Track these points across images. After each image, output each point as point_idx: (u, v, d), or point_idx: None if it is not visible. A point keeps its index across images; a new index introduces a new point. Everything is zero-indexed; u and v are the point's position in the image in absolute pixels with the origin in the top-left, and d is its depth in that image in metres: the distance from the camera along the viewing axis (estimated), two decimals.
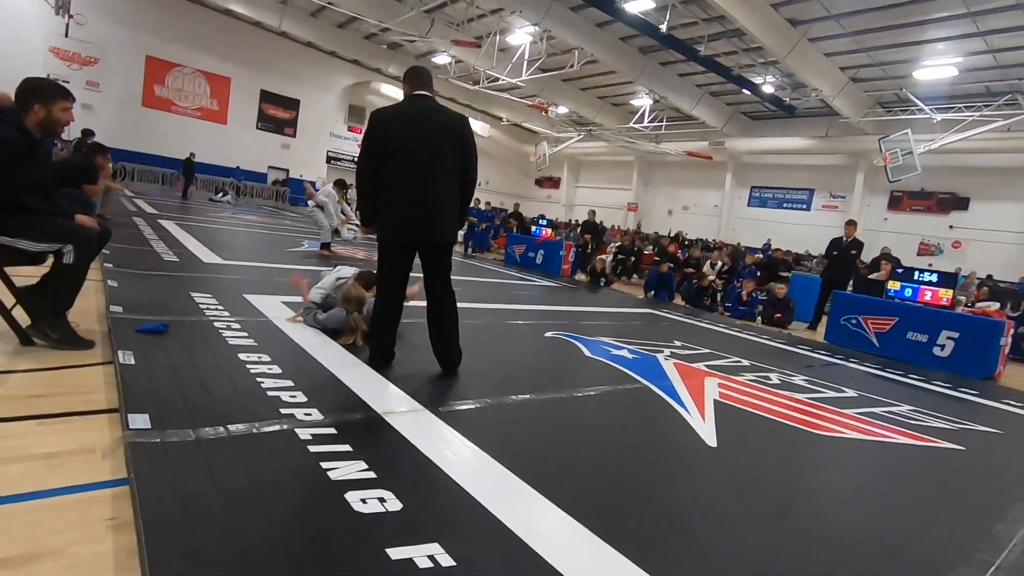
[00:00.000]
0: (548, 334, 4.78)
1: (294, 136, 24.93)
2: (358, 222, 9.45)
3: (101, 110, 19.28)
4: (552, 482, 1.93)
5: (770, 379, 4.22)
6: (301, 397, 2.36)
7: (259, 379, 2.51)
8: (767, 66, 16.94)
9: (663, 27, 14.11)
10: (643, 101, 20.64)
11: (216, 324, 3.34)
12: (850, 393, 4.17)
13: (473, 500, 1.73)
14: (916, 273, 6.81)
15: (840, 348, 6.49)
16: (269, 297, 4.35)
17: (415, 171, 2.90)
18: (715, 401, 3.34)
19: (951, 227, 18.98)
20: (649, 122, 20.85)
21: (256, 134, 23.88)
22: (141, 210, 11.09)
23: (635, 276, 12.64)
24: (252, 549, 1.34)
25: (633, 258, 12.90)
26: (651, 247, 15.51)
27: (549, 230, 12.68)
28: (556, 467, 2.13)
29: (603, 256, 12.12)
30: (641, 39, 16.62)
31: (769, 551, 1.74)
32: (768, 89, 17.81)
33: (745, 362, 4.76)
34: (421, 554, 1.41)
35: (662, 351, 4.69)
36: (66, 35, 17.64)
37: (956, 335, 5.90)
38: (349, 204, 9.91)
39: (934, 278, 6.62)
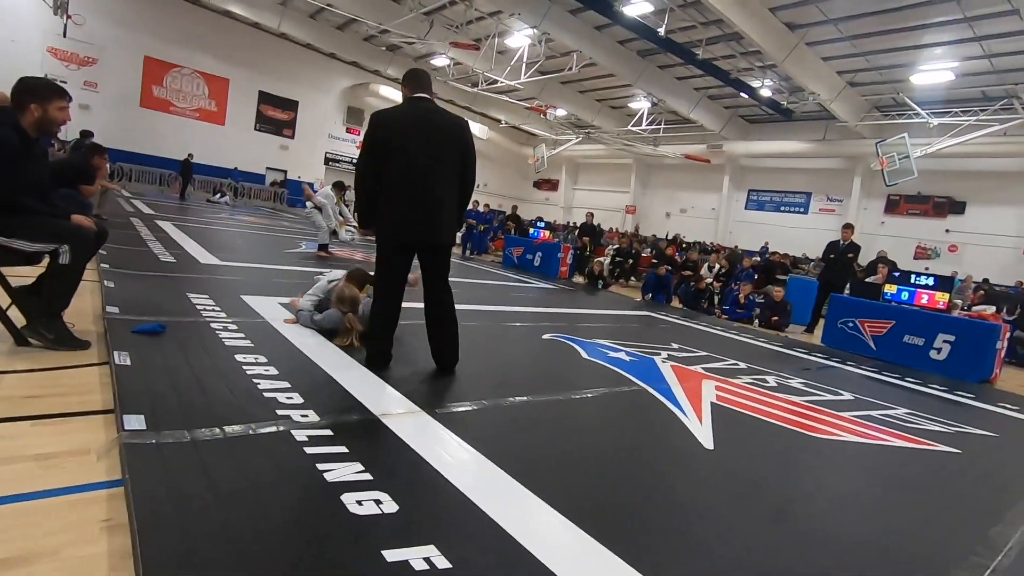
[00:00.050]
0: (545, 336, 4.78)
1: (292, 137, 24.87)
2: (356, 224, 9.43)
3: (99, 110, 19.22)
4: (549, 484, 1.93)
5: (767, 382, 4.23)
6: (297, 398, 2.35)
7: (255, 380, 2.50)
8: (765, 70, 16.98)
9: (661, 30, 14.17)
10: (641, 104, 20.65)
11: (213, 325, 3.33)
12: (847, 396, 4.18)
13: (469, 502, 1.72)
14: (913, 276, 6.83)
15: (837, 351, 6.50)
16: (266, 298, 4.34)
17: (415, 173, 2.91)
18: (712, 404, 3.35)
19: (947, 231, 19.01)
20: (647, 125, 20.89)
21: (254, 135, 23.81)
22: (138, 211, 11.06)
23: (633, 278, 12.66)
24: (247, 551, 1.34)
25: (631, 260, 12.92)
26: (649, 250, 15.57)
27: (547, 232, 12.70)
28: (553, 469, 2.13)
29: (601, 258, 12.14)
30: (639, 42, 16.67)
31: (765, 553, 1.74)
32: (766, 93, 17.85)
33: (742, 365, 4.76)
34: (417, 556, 1.40)
35: (659, 353, 4.69)
36: (64, 35, 17.60)
37: (952, 338, 5.92)
38: (347, 206, 9.91)
39: (931, 281, 6.64)
